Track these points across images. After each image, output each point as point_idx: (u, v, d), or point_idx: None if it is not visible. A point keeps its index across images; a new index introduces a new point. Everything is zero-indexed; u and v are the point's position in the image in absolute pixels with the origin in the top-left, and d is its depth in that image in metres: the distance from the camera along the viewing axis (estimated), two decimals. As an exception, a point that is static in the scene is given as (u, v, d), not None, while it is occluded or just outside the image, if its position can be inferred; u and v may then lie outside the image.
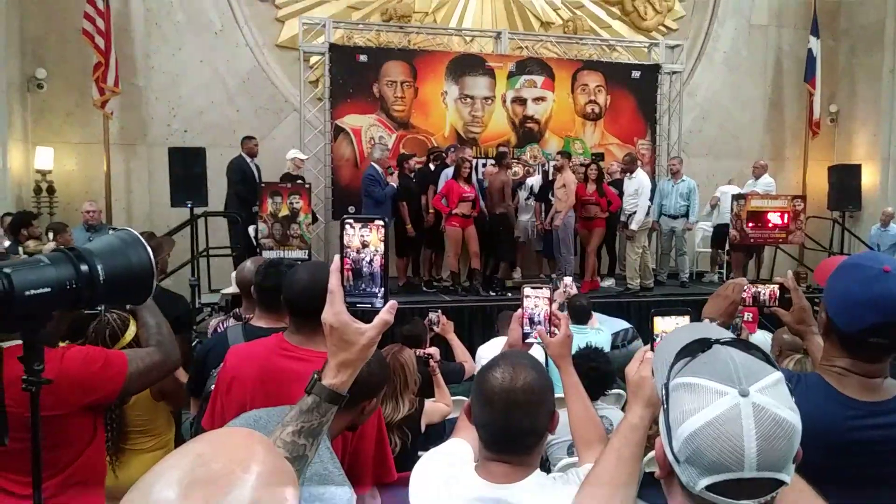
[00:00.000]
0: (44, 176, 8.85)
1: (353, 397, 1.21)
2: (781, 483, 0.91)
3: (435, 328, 4.55)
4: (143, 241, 1.30)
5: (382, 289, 1.13)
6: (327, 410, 1.16)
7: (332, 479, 1.57)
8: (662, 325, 1.51)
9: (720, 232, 9.44)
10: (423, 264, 8.60)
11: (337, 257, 1.12)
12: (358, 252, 1.11)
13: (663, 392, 0.98)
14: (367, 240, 1.10)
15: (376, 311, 1.14)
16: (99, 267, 1.21)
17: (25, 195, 8.77)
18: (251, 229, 7.83)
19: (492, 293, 8.00)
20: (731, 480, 0.88)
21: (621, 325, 5.67)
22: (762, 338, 4.70)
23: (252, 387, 2.00)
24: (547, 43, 10.30)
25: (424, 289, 8.38)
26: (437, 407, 3.50)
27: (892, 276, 1.47)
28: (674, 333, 1.17)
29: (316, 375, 1.17)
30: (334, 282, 1.12)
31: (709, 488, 0.90)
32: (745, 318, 5.17)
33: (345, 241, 1.11)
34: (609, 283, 8.96)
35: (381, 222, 1.11)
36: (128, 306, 2.53)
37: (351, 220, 1.11)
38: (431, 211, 8.11)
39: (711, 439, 0.88)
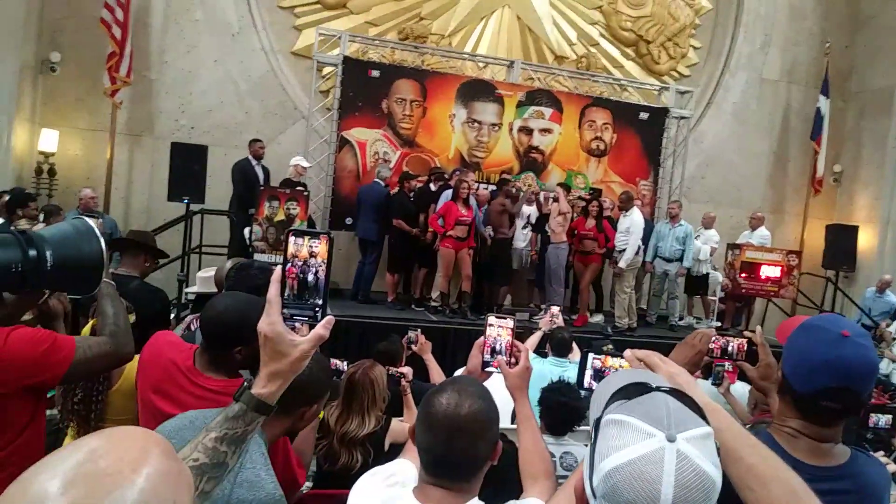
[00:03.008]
0: (46, 158, 8.88)
1: (293, 402, 1.20)
2: None
3: (413, 347, 4.52)
4: (98, 232, 1.29)
5: (322, 302, 1.12)
6: (253, 419, 1.15)
7: (262, 485, 1.56)
8: (593, 362, 1.51)
9: (694, 277, 9.37)
10: (415, 282, 8.59)
11: (278, 268, 1.12)
12: (305, 262, 1.11)
13: (594, 426, 0.98)
14: (316, 251, 1.10)
15: (313, 325, 1.13)
16: (48, 253, 1.21)
17: (26, 175, 8.79)
18: (246, 231, 7.84)
19: (485, 315, 7.98)
20: None
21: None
22: (741, 389, 4.67)
23: (146, 383, 2.08)
24: (559, 76, 10.38)
25: (414, 307, 8.37)
26: (403, 427, 3.46)
27: (850, 342, 1.46)
28: (615, 374, 1.18)
29: (245, 383, 1.16)
30: (273, 292, 1.12)
31: None
32: (727, 368, 5.14)
33: (291, 251, 1.11)
34: (598, 318, 8.96)
35: (329, 237, 1.11)
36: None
37: (299, 233, 1.11)
38: (430, 230, 8.13)
39: (630, 478, 0.89)
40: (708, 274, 9.37)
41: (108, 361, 2.13)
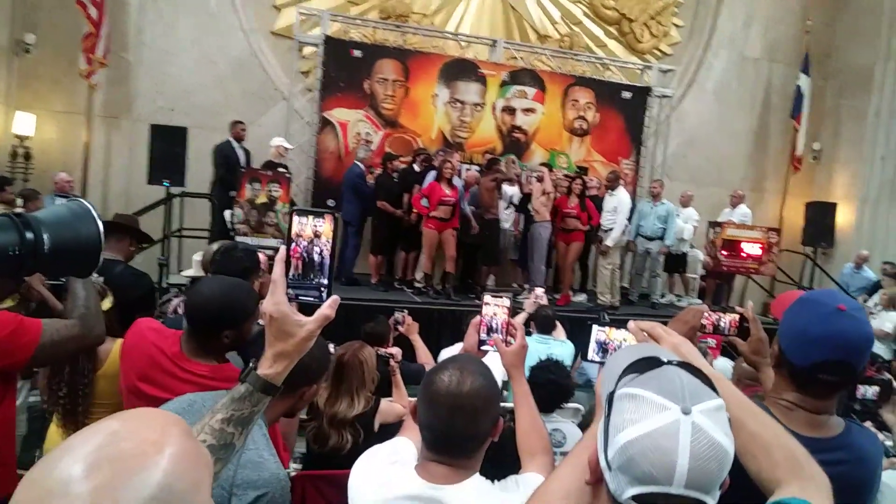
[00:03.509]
0: (22, 141, 8.70)
1: (293, 383, 1.19)
2: None
3: (399, 328, 4.51)
4: (95, 214, 1.27)
5: (327, 282, 1.11)
6: (259, 400, 1.15)
7: (266, 465, 1.56)
8: (599, 335, 1.52)
9: (674, 255, 9.43)
10: (398, 264, 8.57)
11: (283, 247, 1.10)
12: (310, 242, 1.10)
13: (607, 400, 0.99)
14: (320, 230, 1.09)
15: (318, 305, 1.12)
16: (45, 236, 1.18)
17: (1, 159, 8.61)
18: (227, 213, 7.76)
19: (471, 296, 8.01)
20: (657, 493, 0.90)
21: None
22: (724, 365, 4.74)
23: (132, 371, 2.07)
24: (542, 56, 10.35)
25: (396, 286, 8.36)
26: (393, 407, 3.48)
27: (846, 315, 1.49)
28: (625, 349, 1.18)
29: (251, 364, 1.15)
30: (278, 272, 1.11)
31: (635, 499, 0.91)
32: (710, 344, 5.22)
33: (295, 230, 1.10)
34: (581, 297, 9.01)
35: (333, 216, 1.10)
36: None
37: (303, 212, 1.10)
38: (415, 211, 8.10)
39: (646, 450, 0.90)
40: (686, 253, 9.46)
41: (77, 344, 2.10)
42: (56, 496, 0.62)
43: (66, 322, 2.09)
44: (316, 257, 1.10)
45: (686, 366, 1.01)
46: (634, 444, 0.91)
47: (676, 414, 0.91)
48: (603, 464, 0.97)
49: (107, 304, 2.68)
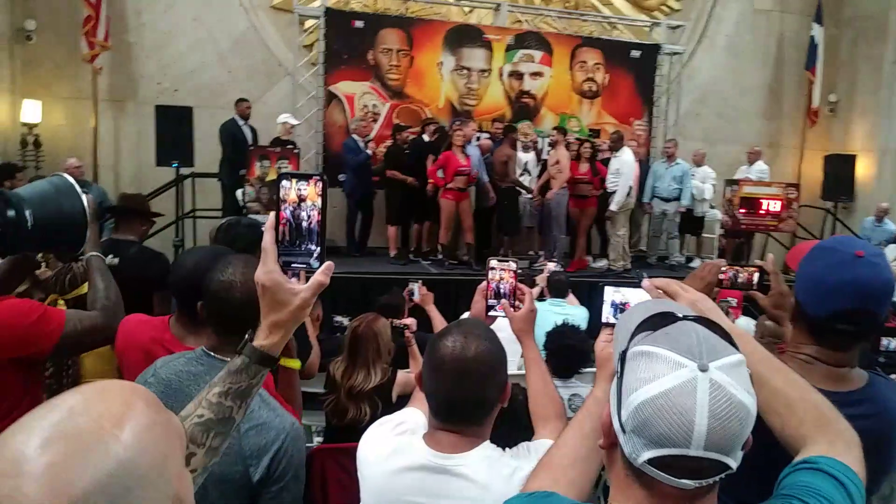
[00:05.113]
0: (30, 129, 8.70)
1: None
2: (726, 468, 0.87)
3: (414, 299, 4.49)
4: (78, 189, 1.23)
5: (319, 248, 1.07)
6: (257, 372, 1.12)
7: (270, 426, 1.58)
8: (614, 296, 1.47)
9: (691, 216, 9.29)
10: (414, 235, 8.54)
11: (272, 214, 1.06)
12: (295, 207, 1.05)
13: (619, 360, 0.95)
14: (304, 194, 1.04)
15: (312, 272, 1.08)
16: (27, 213, 1.15)
17: (11, 148, 8.63)
18: (238, 192, 7.75)
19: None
20: (674, 456, 0.85)
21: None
22: (745, 324, 4.69)
23: (130, 372, 2.01)
24: (547, 17, 10.14)
25: (412, 258, 8.34)
26: (410, 378, 3.46)
27: (865, 262, 1.43)
28: (638, 306, 1.13)
29: (247, 336, 1.12)
30: (268, 239, 1.07)
31: (651, 462, 0.87)
32: (731, 304, 5.16)
33: (282, 195, 1.05)
34: (601, 263, 8.88)
35: (320, 178, 1.05)
36: (81, 265, 2.46)
37: (288, 176, 1.05)
38: (431, 181, 8.04)
39: (662, 410, 0.85)
40: (704, 214, 9.34)
41: (100, 335, 2.07)
42: (7, 476, 0.59)
43: (89, 313, 2.06)
44: (304, 223, 1.06)
45: (703, 320, 0.95)
46: (649, 405, 0.86)
47: (693, 371, 0.86)
48: (616, 426, 0.92)
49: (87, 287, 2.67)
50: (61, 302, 2.58)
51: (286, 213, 1.05)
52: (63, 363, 2.58)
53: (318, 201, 1.05)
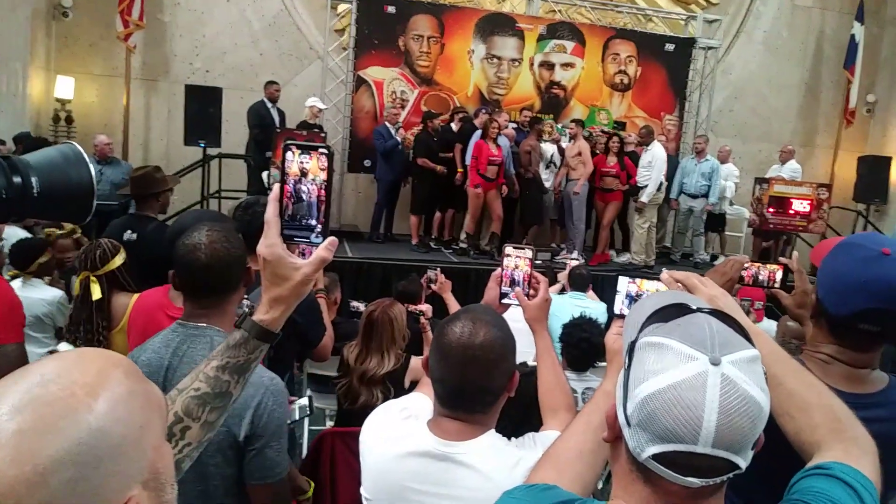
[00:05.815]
0: (63, 105, 8.82)
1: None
2: (735, 467, 0.83)
3: (432, 286, 4.48)
4: (87, 158, 1.23)
5: (321, 223, 1.04)
6: (256, 347, 1.10)
7: (248, 381, 1.57)
8: (629, 287, 1.44)
9: (714, 214, 9.18)
10: (436, 223, 8.53)
11: (276, 186, 1.04)
12: (298, 181, 1.03)
13: (628, 350, 0.91)
14: (307, 167, 1.01)
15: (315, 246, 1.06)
16: (34, 180, 1.14)
17: (44, 123, 8.77)
18: (264, 174, 7.79)
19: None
20: (681, 453, 0.81)
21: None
22: (768, 327, 4.59)
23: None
24: (581, 8, 10.01)
25: (433, 246, 8.34)
26: (423, 364, 3.45)
27: (892, 259, 1.36)
28: (651, 297, 1.09)
29: (247, 309, 1.10)
30: (271, 211, 1.05)
31: (656, 458, 0.83)
32: (756, 306, 5.06)
33: (284, 167, 1.03)
34: (624, 258, 8.80)
35: (325, 150, 1.02)
36: (109, 241, 2.48)
37: (293, 146, 1.02)
38: (460, 170, 8.02)
39: (669, 404, 0.81)
40: (725, 212, 9.20)
41: None
42: None
43: None
44: (304, 197, 1.03)
45: (718, 314, 0.91)
46: (656, 398, 0.82)
47: (704, 364, 0.82)
48: (622, 419, 0.88)
49: (118, 260, 2.68)
50: (93, 278, 2.60)
51: (289, 185, 1.03)
52: (94, 339, 2.60)
53: (321, 176, 1.03)
